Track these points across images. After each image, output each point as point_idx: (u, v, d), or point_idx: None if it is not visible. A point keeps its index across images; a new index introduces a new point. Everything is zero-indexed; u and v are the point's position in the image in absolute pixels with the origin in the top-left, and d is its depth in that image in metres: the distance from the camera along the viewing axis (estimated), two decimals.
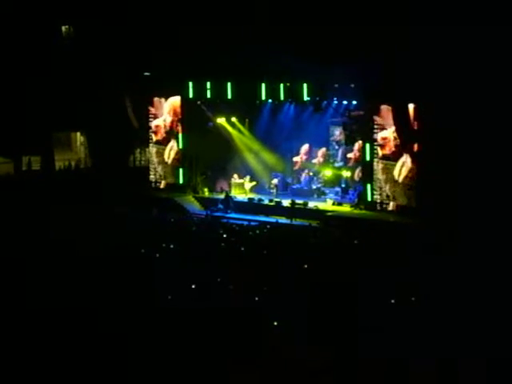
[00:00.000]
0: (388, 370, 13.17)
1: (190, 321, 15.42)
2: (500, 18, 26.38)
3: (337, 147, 36.23)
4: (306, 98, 33.05)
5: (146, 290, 17.80)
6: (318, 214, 31.26)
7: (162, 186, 37.50)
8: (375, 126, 30.86)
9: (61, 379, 13.25)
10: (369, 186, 31.30)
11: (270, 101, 34.78)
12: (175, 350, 14.06)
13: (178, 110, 36.48)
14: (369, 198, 31.28)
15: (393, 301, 16.61)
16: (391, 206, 30.56)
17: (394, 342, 14.09)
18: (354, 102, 32.27)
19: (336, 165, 35.86)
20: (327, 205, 32.63)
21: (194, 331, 14.88)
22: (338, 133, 35.55)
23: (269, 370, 13.40)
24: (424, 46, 27.58)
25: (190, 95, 35.86)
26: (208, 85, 35.20)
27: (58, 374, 13.34)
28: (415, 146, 29.65)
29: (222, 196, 34.47)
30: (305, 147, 36.56)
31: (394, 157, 30.39)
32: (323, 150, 36.27)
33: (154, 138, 37.57)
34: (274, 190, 34.52)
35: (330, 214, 31.12)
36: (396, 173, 30.26)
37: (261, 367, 13.53)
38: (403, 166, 30.02)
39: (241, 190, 35.32)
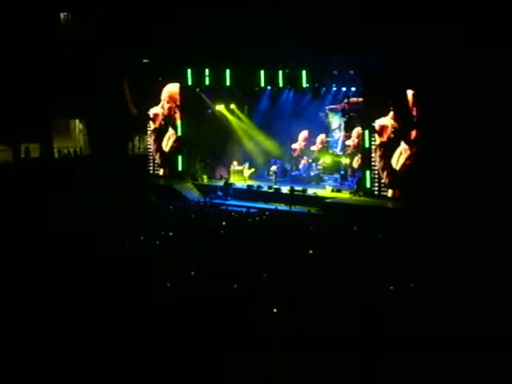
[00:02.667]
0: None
1: (190, 311, 15.47)
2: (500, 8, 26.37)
3: (336, 134, 36.25)
4: (304, 84, 32.99)
5: (145, 278, 17.85)
6: (317, 200, 31.28)
7: (160, 173, 37.52)
8: (374, 113, 30.83)
9: (59, 376, 13.29)
10: (368, 173, 31.30)
11: (268, 87, 34.74)
12: (175, 342, 14.12)
13: (176, 97, 36.48)
14: (368, 185, 31.29)
15: (392, 287, 16.67)
16: (390, 192, 30.59)
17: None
18: (353, 89, 32.24)
19: (335, 151, 35.90)
20: (326, 191, 32.66)
21: (195, 321, 14.94)
22: (336, 119, 35.55)
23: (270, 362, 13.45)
24: (423, 31, 27.51)
25: (189, 82, 35.83)
26: (207, 71, 35.14)
27: (56, 370, 13.38)
28: (413, 133, 29.67)
29: (221, 183, 34.50)
30: (304, 134, 36.59)
31: (391, 144, 30.39)
32: (322, 136, 36.30)
33: (152, 126, 37.57)
34: (273, 177, 34.51)
35: (328, 200, 31.15)
36: (394, 160, 30.28)
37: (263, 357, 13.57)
38: (400, 154, 30.04)
39: (240, 176, 35.34)
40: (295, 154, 36.62)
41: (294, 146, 36.62)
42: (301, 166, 35.69)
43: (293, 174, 35.71)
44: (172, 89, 36.59)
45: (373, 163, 31.08)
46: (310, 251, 20.25)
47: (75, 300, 16.22)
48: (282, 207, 31.04)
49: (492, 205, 24.83)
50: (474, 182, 26.06)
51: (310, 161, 35.62)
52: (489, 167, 26.39)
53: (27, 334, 14.44)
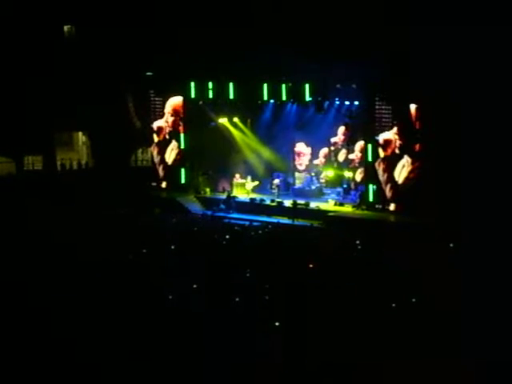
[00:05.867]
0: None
1: (191, 322, 15.45)
2: (501, 18, 26.37)
3: (339, 148, 36.19)
4: (308, 98, 33.03)
5: (147, 291, 17.83)
6: (320, 214, 31.26)
7: (163, 185, 37.53)
8: (377, 127, 30.86)
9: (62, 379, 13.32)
10: (371, 187, 31.29)
11: (272, 101, 34.77)
12: (178, 352, 14.10)
13: (180, 110, 36.53)
14: (371, 199, 31.26)
15: (394, 304, 16.61)
16: (392, 206, 30.56)
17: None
18: (356, 103, 32.25)
19: (338, 165, 35.86)
20: (329, 205, 32.65)
21: (198, 334, 14.91)
22: (339, 133, 35.55)
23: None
24: (426, 45, 27.55)
25: (192, 95, 35.90)
26: (210, 85, 35.21)
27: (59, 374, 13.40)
28: (417, 147, 29.66)
29: (224, 196, 34.50)
30: (307, 148, 36.56)
31: (395, 158, 30.38)
32: (325, 150, 36.25)
33: (156, 139, 37.61)
34: (276, 190, 34.52)
35: (331, 214, 31.12)
36: (396, 173, 30.27)
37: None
38: (403, 167, 30.03)
39: (243, 190, 35.34)
40: (298, 168, 36.59)
41: (296, 159, 36.60)
42: (304, 180, 35.67)
43: (296, 187, 35.67)
44: (175, 102, 36.65)
45: (376, 177, 31.05)
46: (311, 265, 20.23)
47: (77, 310, 16.25)
48: (284, 221, 31.04)
49: (497, 217, 24.79)
50: (479, 195, 26.02)
51: (313, 174, 35.60)
52: (493, 179, 26.35)
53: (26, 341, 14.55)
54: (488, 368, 13.03)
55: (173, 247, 22.90)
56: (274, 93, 33.86)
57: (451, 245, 23.13)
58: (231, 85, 34.56)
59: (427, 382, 12.99)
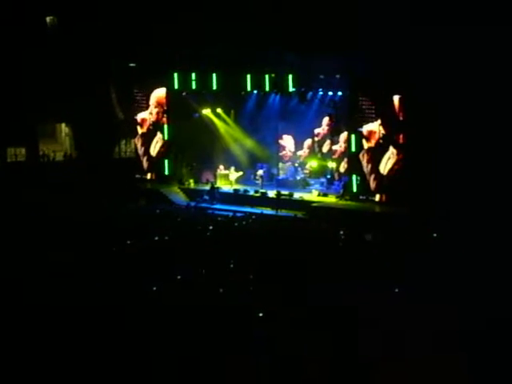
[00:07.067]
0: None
1: (178, 316, 15.46)
2: (483, 18, 26.50)
3: (322, 138, 36.25)
4: (291, 89, 33.05)
5: (132, 281, 17.84)
6: (304, 204, 31.31)
7: (147, 177, 37.48)
8: (361, 118, 30.91)
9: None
10: (354, 177, 31.36)
11: (255, 92, 34.79)
12: (169, 346, 14.13)
13: (163, 101, 36.46)
14: (354, 189, 31.34)
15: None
16: (377, 197, 30.64)
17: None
18: (340, 93, 32.30)
19: (322, 156, 35.91)
20: (313, 196, 32.68)
21: (184, 326, 14.93)
22: (324, 124, 35.59)
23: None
24: (408, 36, 27.62)
25: (176, 86, 35.83)
26: (193, 76, 35.15)
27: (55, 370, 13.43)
28: (400, 138, 29.73)
29: (208, 187, 34.47)
30: (290, 138, 36.59)
31: (379, 149, 30.43)
32: (309, 141, 36.30)
33: (140, 131, 37.54)
34: (260, 181, 34.51)
35: (315, 204, 31.17)
36: (381, 165, 30.33)
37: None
38: (389, 159, 30.10)
39: (226, 180, 35.33)
40: (282, 159, 36.63)
41: (280, 150, 36.63)
42: (287, 170, 35.70)
43: (279, 178, 35.70)
44: (159, 94, 36.58)
45: (359, 168, 31.11)
46: (297, 255, 20.28)
47: (68, 299, 16.30)
48: (268, 211, 31.06)
49: (481, 207, 24.92)
50: (463, 186, 26.15)
51: (297, 165, 35.64)
52: (477, 170, 26.48)
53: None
54: None
55: (156, 238, 22.91)
56: (258, 83, 33.84)
57: (434, 235, 23.24)
58: (214, 75, 34.52)
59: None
